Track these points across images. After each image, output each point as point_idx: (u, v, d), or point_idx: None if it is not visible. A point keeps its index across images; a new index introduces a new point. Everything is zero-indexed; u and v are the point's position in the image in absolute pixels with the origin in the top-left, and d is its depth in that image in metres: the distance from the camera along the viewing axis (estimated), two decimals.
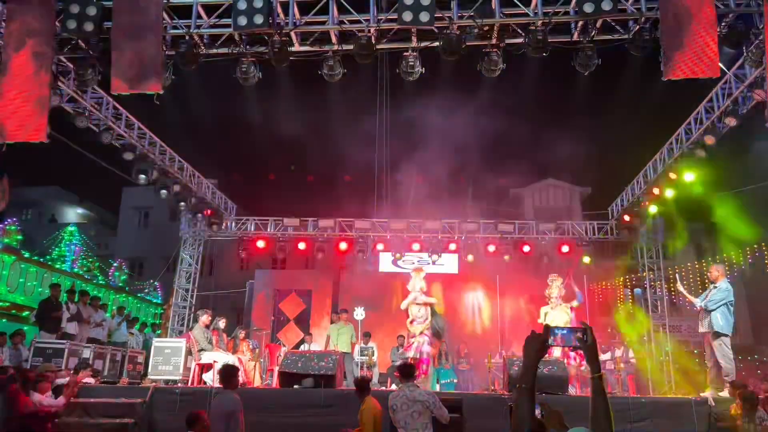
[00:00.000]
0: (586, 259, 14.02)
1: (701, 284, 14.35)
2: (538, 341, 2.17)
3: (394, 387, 10.62)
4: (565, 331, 2.21)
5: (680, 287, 8.66)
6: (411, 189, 15.23)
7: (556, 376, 8.00)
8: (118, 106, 10.63)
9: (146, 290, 18.66)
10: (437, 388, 11.13)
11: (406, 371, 5.73)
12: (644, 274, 14.34)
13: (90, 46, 8.14)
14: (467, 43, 7.70)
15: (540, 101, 11.57)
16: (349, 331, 12.38)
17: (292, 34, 8.01)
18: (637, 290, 15.49)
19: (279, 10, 7.82)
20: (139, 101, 8.75)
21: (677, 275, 9.56)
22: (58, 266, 14.27)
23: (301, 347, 12.89)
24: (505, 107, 11.98)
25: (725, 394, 7.35)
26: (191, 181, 13.25)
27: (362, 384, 6.25)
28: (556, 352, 8.78)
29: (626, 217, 13.37)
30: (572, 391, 8.76)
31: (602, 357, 11.65)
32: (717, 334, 7.63)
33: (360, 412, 5.90)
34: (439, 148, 14.16)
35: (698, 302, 8.00)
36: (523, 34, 7.72)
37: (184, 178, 12.92)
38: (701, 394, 7.75)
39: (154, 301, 18.82)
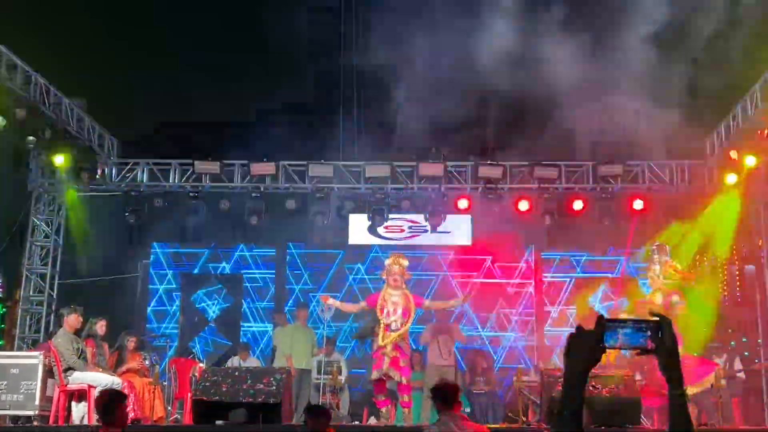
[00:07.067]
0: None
1: None
2: (589, 342, 2.09)
3: (373, 421, 10.70)
4: (629, 328, 2.13)
5: None
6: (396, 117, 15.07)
7: (621, 398, 8.10)
8: None
9: None
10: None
11: (446, 395, 5.94)
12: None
13: None
14: None
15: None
16: (309, 337, 12.46)
17: None
18: (750, 266, 15.77)
19: None
20: None
21: None
22: None
23: (229, 363, 12.91)
24: None
25: None
26: (44, 102, 12.96)
27: (314, 410, 6.58)
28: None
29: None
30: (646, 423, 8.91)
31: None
32: None
33: None
34: (438, 55, 14.00)
35: None
36: None
37: (33, 97, 12.62)
38: None
39: None
